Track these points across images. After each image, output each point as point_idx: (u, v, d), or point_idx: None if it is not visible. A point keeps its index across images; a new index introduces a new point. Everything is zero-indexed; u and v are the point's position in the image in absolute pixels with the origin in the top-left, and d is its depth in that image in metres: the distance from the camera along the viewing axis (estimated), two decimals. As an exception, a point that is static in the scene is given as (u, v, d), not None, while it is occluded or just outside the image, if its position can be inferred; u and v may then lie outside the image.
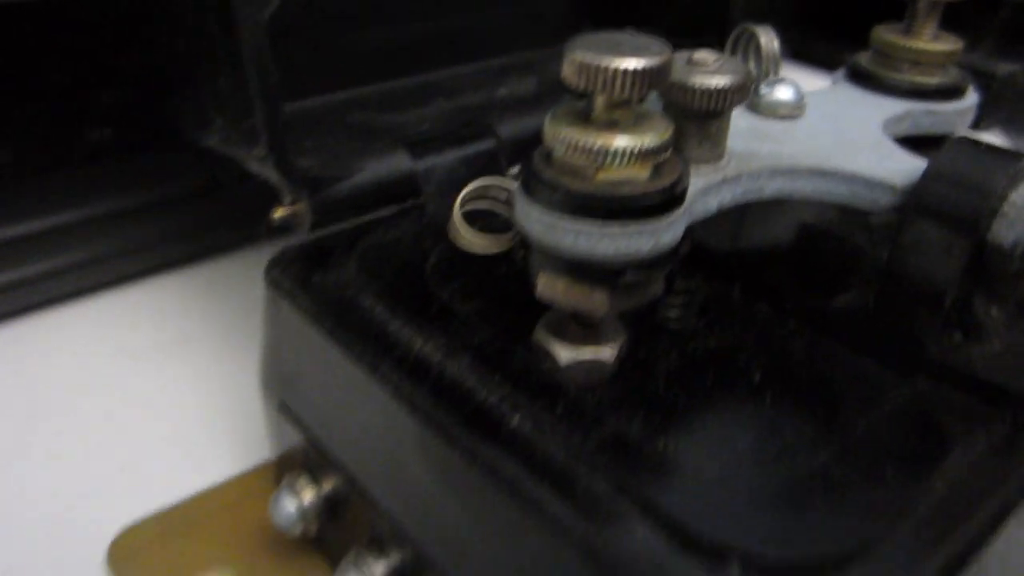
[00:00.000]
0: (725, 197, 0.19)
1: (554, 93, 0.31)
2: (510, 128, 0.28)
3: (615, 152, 0.17)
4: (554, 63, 0.35)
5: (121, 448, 0.29)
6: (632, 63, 0.16)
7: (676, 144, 0.19)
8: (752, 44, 0.23)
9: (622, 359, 0.20)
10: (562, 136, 0.17)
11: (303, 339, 0.22)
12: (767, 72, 0.23)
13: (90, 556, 0.25)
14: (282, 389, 0.23)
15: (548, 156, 0.18)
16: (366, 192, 0.24)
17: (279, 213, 0.23)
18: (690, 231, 0.19)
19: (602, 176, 0.17)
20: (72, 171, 0.36)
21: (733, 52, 0.24)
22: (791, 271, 0.23)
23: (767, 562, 0.15)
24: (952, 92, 0.24)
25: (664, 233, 0.17)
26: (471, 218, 0.21)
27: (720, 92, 0.18)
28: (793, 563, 0.15)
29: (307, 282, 0.22)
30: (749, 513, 0.16)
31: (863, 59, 0.25)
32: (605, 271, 0.17)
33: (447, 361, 0.19)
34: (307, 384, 0.22)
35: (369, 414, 0.20)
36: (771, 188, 0.20)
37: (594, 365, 0.19)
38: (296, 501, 0.23)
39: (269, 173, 0.23)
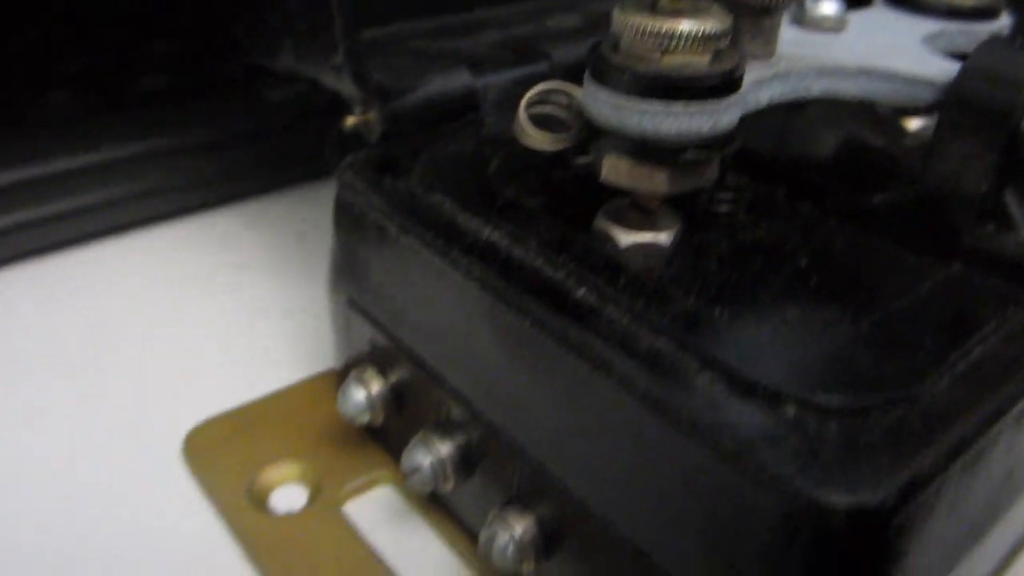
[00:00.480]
0: (775, 91, 0.21)
1: (597, 28, 0.32)
2: (560, 56, 0.29)
3: (680, 35, 0.18)
4: (595, 2, 0.36)
5: (191, 357, 0.31)
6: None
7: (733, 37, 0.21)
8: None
9: (677, 245, 0.21)
10: (631, 23, 0.18)
11: (375, 234, 0.23)
12: (811, -11, 0.24)
13: (167, 448, 0.27)
14: (352, 287, 0.25)
15: (615, 45, 0.19)
16: (431, 104, 0.26)
17: (350, 122, 0.25)
18: (741, 127, 0.21)
19: (666, 60, 0.18)
20: (127, 113, 0.38)
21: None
22: (832, 174, 0.24)
23: (819, 405, 0.17)
24: (986, 13, 0.26)
25: (722, 115, 0.19)
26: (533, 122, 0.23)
27: (778, -13, 0.20)
28: (843, 406, 0.17)
29: (378, 183, 0.24)
30: (801, 367, 0.18)
31: (904, -18, 0.27)
32: (666, 150, 0.19)
33: (514, 245, 0.21)
34: (378, 278, 0.24)
35: (440, 298, 0.22)
36: (818, 87, 0.21)
37: (652, 248, 0.21)
38: (364, 391, 0.25)
39: (343, 84, 0.25)
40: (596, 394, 0.18)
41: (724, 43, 0.19)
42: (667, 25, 0.18)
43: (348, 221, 0.25)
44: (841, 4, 0.24)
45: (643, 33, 0.18)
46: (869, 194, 0.23)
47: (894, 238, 0.22)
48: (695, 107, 0.18)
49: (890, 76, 0.21)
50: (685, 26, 0.18)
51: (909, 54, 0.22)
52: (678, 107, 0.18)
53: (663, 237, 0.21)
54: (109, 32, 0.40)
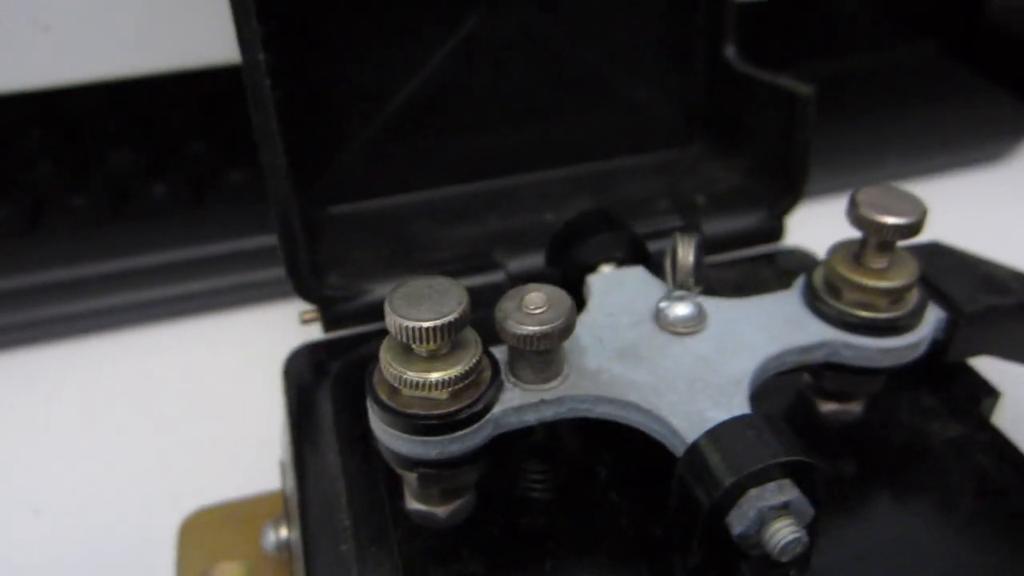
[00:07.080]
0: (545, 414, 0.23)
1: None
2: (517, 266, 0.32)
3: (406, 381, 0.21)
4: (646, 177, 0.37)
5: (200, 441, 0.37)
6: (427, 323, 0.21)
7: (510, 363, 0.23)
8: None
9: (466, 517, 0.24)
10: (380, 357, 0.22)
11: (285, 426, 0.29)
12: (681, 284, 0.25)
13: (165, 526, 0.34)
14: (282, 450, 0.31)
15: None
16: (372, 311, 0.30)
17: (304, 318, 0.30)
18: (541, 427, 0.23)
19: (405, 392, 0.22)
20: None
21: (673, 254, 0.26)
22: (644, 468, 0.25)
23: None
24: (883, 329, 0.24)
25: (450, 444, 0.22)
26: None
27: (530, 338, 0.21)
28: None
29: (300, 381, 0.29)
30: None
31: (817, 273, 0.26)
32: (408, 461, 0.22)
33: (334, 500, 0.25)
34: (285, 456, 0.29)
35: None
36: (598, 411, 0.23)
37: (428, 517, 0.24)
38: (275, 536, 0.30)
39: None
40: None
41: (461, 384, 0.21)
42: (396, 371, 0.21)
43: (286, 402, 0.30)
44: (696, 308, 0.24)
45: (388, 370, 0.21)
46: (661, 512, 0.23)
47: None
48: (419, 439, 0.21)
49: (657, 419, 0.22)
50: (410, 375, 0.21)
51: (718, 388, 0.23)
52: (405, 436, 0.21)
53: (441, 510, 0.24)
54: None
